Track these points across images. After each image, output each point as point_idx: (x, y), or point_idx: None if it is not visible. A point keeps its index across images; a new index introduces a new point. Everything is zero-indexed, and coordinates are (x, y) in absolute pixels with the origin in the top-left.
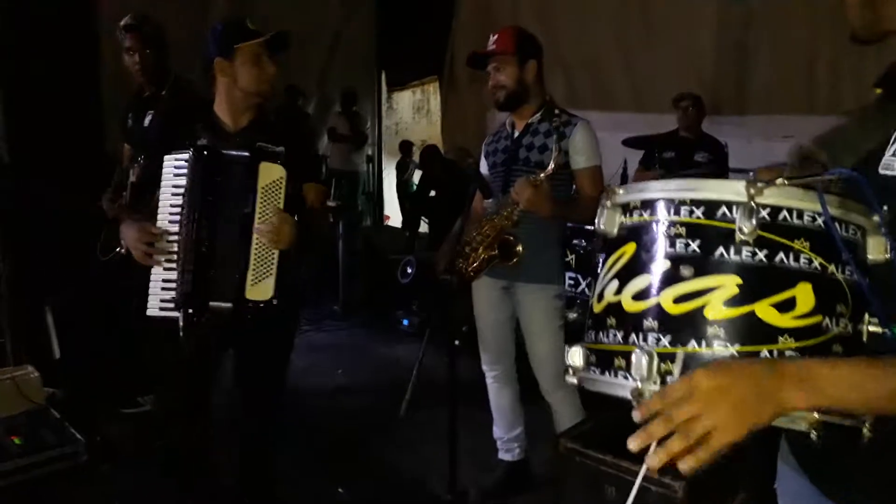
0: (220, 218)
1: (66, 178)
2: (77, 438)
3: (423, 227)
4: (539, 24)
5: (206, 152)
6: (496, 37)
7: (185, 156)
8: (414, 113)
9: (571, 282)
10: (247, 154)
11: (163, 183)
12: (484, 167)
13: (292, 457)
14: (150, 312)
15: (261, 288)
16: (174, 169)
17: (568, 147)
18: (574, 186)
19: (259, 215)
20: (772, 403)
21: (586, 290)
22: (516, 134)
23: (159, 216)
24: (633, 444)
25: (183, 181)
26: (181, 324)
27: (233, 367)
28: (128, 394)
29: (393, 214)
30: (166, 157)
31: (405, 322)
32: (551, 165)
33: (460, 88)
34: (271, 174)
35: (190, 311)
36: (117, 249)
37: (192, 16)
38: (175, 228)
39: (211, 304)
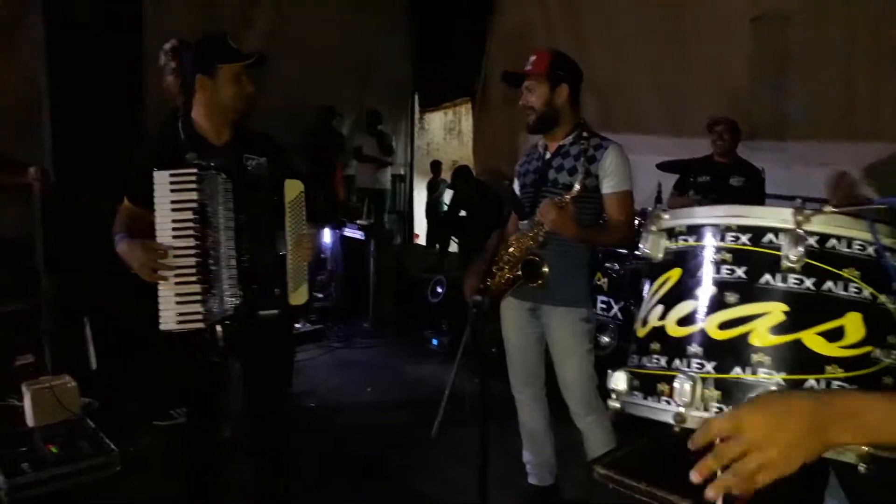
0: (254, 233)
1: (110, 195)
2: (111, 449)
3: (453, 247)
4: (572, 48)
5: (229, 172)
6: (534, 58)
7: (189, 172)
8: (445, 133)
9: (604, 305)
10: (272, 173)
11: (158, 198)
12: (517, 188)
13: (320, 473)
14: (165, 327)
15: (299, 293)
16: (171, 185)
17: (598, 170)
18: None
19: (289, 228)
20: (820, 440)
21: (619, 313)
22: (547, 155)
23: (159, 231)
24: (695, 477)
25: (192, 196)
26: (219, 335)
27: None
28: (161, 406)
29: (422, 233)
30: (158, 173)
31: (434, 342)
32: (576, 187)
33: (493, 110)
34: (294, 189)
35: (228, 322)
36: None
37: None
38: (184, 244)
39: (260, 313)
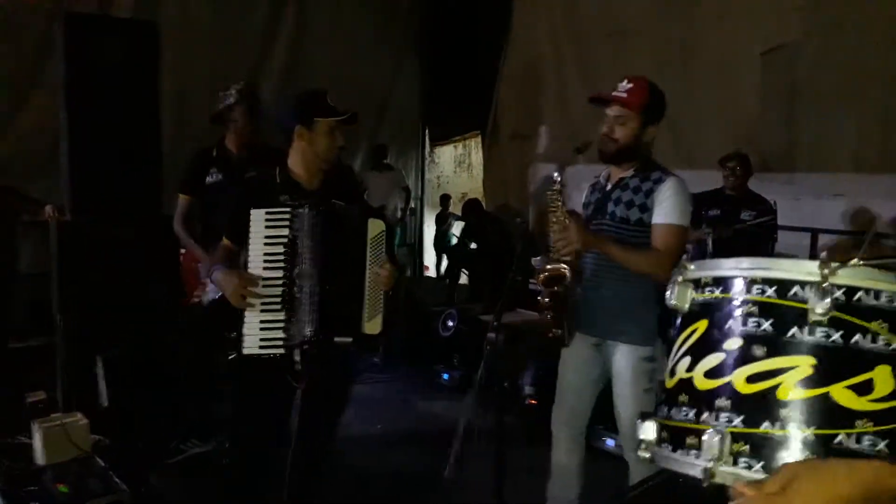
0: (337, 265)
1: (125, 233)
2: (122, 488)
3: (464, 279)
4: (583, 84)
5: (320, 209)
6: (630, 85)
7: (283, 209)
8: (455, 167)
9: None
10: (358, 211)
11: (252, 233)
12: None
13: None
14: (247, 351)
15: (374, 323)
16: (266, 221)
17: (652, 204)
18: None
19: (370, 262)
20: None
21: None
22: (609, 187)
23: (251, 263)
24: None
25: (283, 231)
26: (297, 359)
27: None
28: (171, 444)
29: (432, 266)
30: (254, 211)
31: (445, 376)
32: (556, 175)
33: (502, 144)
34: (376, 228)
35: (306, 347)
36: (196, 299)
37: (250, 74)
38: (273, 274)
39: (336, 339)
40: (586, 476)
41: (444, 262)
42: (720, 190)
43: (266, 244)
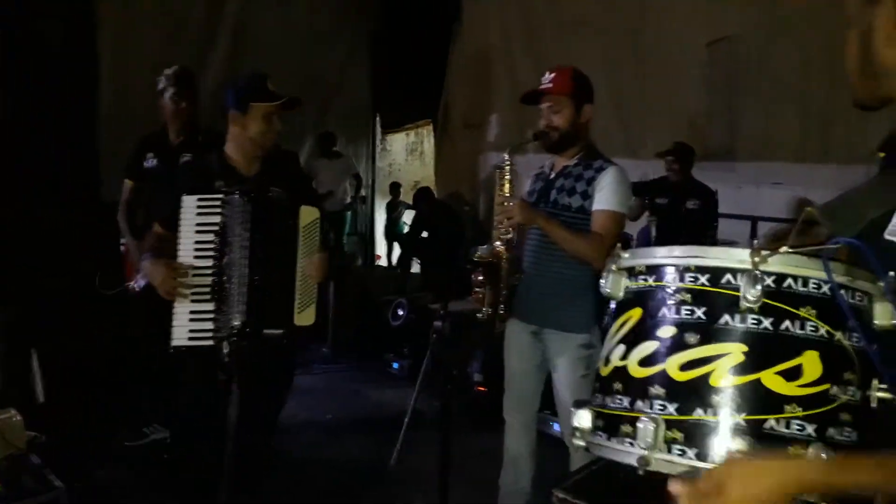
0: (267, 254)
1: (61, 223)
2: (57, 486)
3: (416, 268)
4: (533, 73)
5: (251, 195)
6: (553, 75)
7: (215, 196)
8: (407, 154)
9: None
10: (290, 198)
11: (183, 221)
12: None
13: None
14: (176, 343)
15: (306, 315)
16: (197, 209)
17: (593, 191)
18: None
19: (301, 252)
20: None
21: None
22: (552, 175)
23: (181, 252)
24: None
25: (215, 219)
26: (225, 351)
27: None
28: (130, 427)
29: (383, 255)
30: (186, 198)
31: (395, 365)
32: (505, 156)
33: (453, 133)
34: (309, 216)
35: (235, 339)
36: (130, 285)
37: (194, 59)
38: (203, 263)
39: (265, 332)
40: (537, 462)
41: (396, 251)
42: (666, 178)
43: (197, 232)
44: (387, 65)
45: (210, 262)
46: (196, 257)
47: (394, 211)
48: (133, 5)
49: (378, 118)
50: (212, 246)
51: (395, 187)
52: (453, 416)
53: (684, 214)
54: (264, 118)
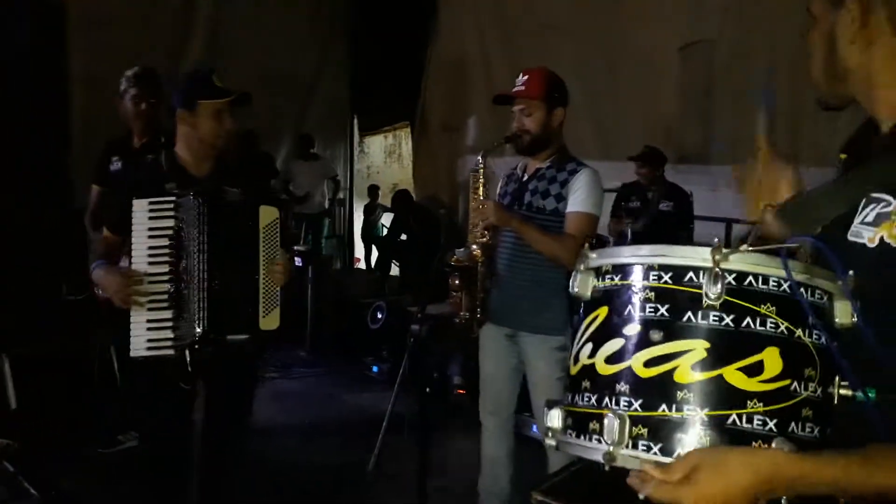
0: (226, 257)
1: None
2: (31, 493)
3: (394, 271)
4: (508, 76)
5: (206, 197)
6: (525, 77)
7: (167, 199)
8: (386, 157)
9: None
10: (247, 198)
11: (135, 226)
12: None
13: None
14: (135, 353)
15: (271, 318)
16: (149, 213)
17: (567, 193)
18: None
19: (263, 253)
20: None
21: None
22: (525, 178)
23: (135, 259)
24: None
25: (168, 223)
26: (188, 359)
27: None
28: (105, 434)
29: (362, 258)
30: (136, 201)
31: (374, 369)
32: (479, 159)
33: (432, 135)
34: (269, 215)
35: (197, 346)
36: (97, 290)
37: (167, 59)
38: (159, 270)
39: (229, 337)
40: (515, 465)
41: (375, 254)
42: (638, 181)
43: (150, 237)
44: (365, 66)
45: (166, 269)
46: (150, 263)
47: (372, 213)
48: (104, 6)
49: (356, 120)
50: (167, 251)
51: (373, 190)
52: (432, 419)
53: (658, 216)
54: (214, 116)
